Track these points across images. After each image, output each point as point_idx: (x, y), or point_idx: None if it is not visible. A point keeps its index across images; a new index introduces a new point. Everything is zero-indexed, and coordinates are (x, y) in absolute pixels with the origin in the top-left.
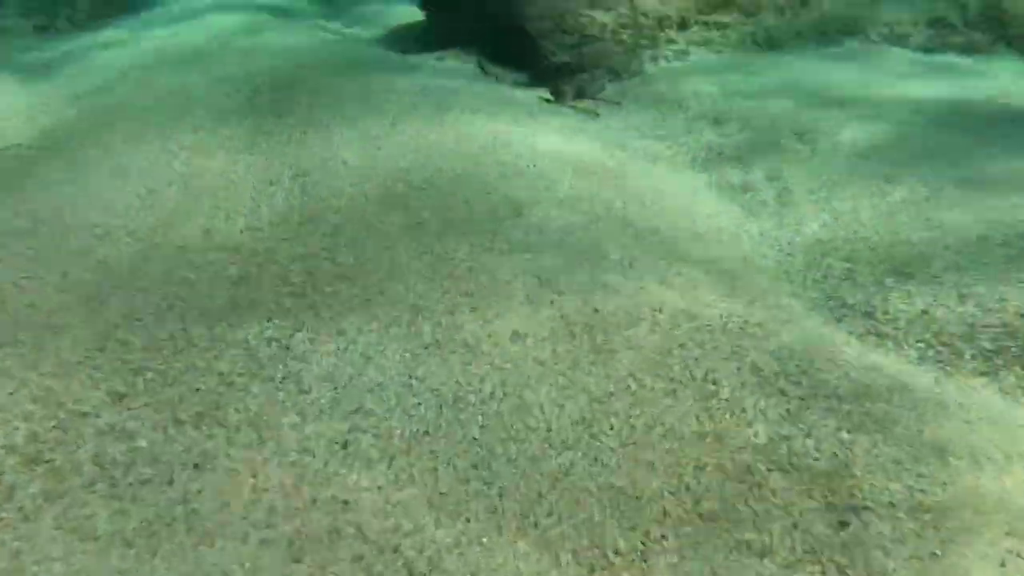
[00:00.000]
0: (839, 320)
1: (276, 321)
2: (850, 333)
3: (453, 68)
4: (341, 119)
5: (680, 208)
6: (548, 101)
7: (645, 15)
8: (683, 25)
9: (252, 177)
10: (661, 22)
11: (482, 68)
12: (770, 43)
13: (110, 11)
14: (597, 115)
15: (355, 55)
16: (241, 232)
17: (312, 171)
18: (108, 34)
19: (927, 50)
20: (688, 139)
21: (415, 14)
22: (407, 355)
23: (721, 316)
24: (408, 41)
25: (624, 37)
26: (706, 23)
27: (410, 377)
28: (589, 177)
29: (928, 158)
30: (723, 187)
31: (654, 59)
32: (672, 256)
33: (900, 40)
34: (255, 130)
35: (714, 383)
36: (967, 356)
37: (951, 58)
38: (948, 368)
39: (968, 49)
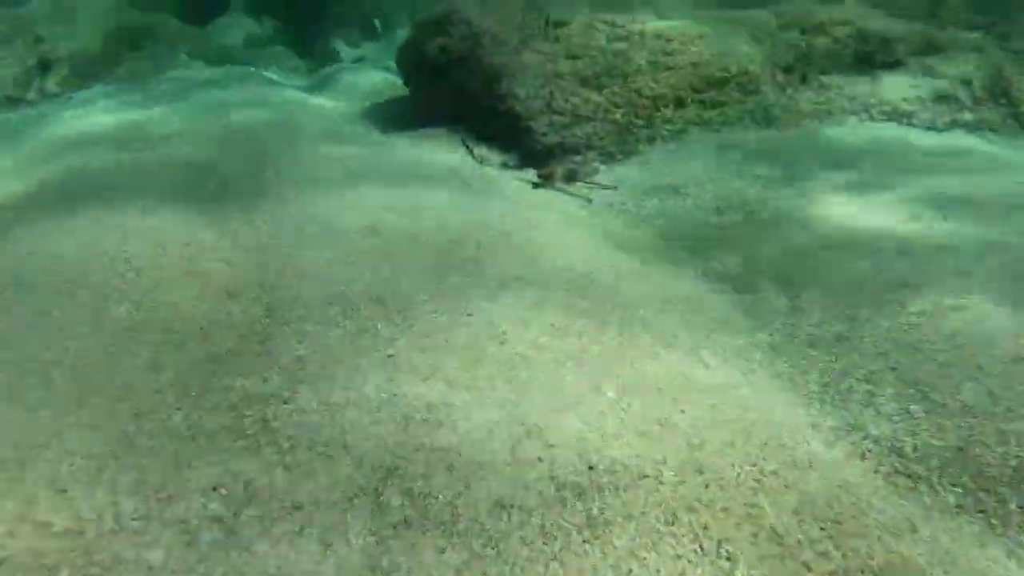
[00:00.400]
0: None
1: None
2: None
3: (435, 145)
4: (298, 202)
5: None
6: (537, 184)
7: (639, 93)
8: (680, 103)
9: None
10: (656, 101)
11: (467, 147)
12: (770, 121)
13: (84, 81)
14: (590, 200)
15: (332, 130)
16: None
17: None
18: (70, 112)
19: (936, 129)
20: (690, 230)
21: (400, 87)
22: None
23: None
24: (391, 116)
25: (618, 117)
26: (703, 101)
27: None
28: (586, 294)
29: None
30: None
31: (650, 139)
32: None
33: (906, 118)
34: (202, 212)
35: None
36: None
37: (963, 138)
38: None
39: (979, 127)
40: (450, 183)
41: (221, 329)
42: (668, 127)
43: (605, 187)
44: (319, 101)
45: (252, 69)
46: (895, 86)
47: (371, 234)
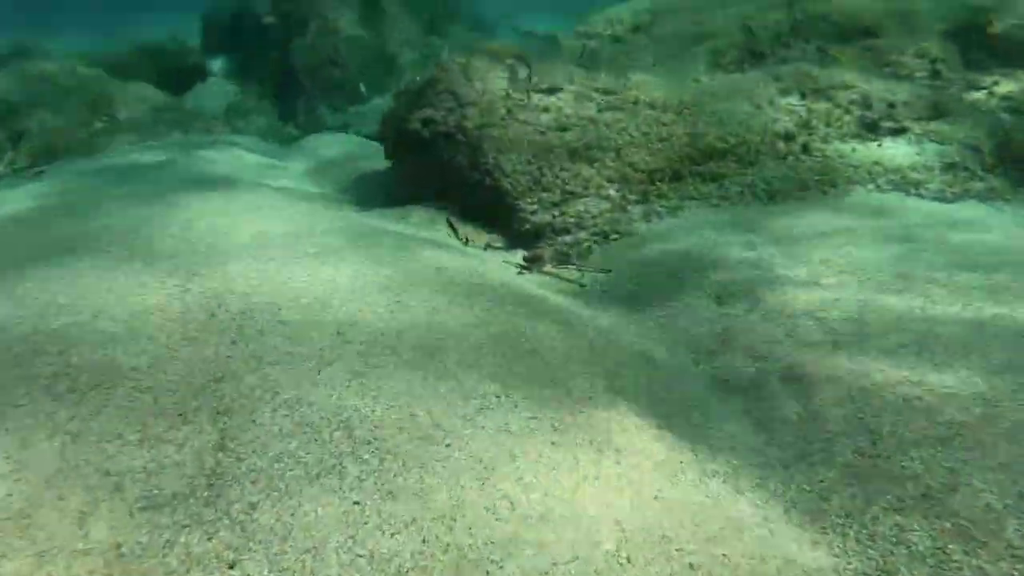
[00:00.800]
0: None
1: None
2: None
3: (417, 224)
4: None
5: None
6: (523, 269)
7: (634, 167)
8: (676, 177)
9: None
10: (652, 175)
11: (451, 227)
12: (771, 195)
13: (55, 156)
14: (583, 286)
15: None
16: None
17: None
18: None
19: (945, 199)
20: (689, 326)
21: (382, 161)
22: None
23: None
24: (372, 192)
25: (611, 192)
26: (701, 174)
27: None
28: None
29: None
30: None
31: (646, 216)
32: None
33: (914, 187)
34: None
35: None
36: None
37: (974, 208)
38: None
39: (989, 196)
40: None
41: None
42: (664, 203)
43: (599, 270)
44: (287, 174)
45: (221, 138)
46: (901, 153)
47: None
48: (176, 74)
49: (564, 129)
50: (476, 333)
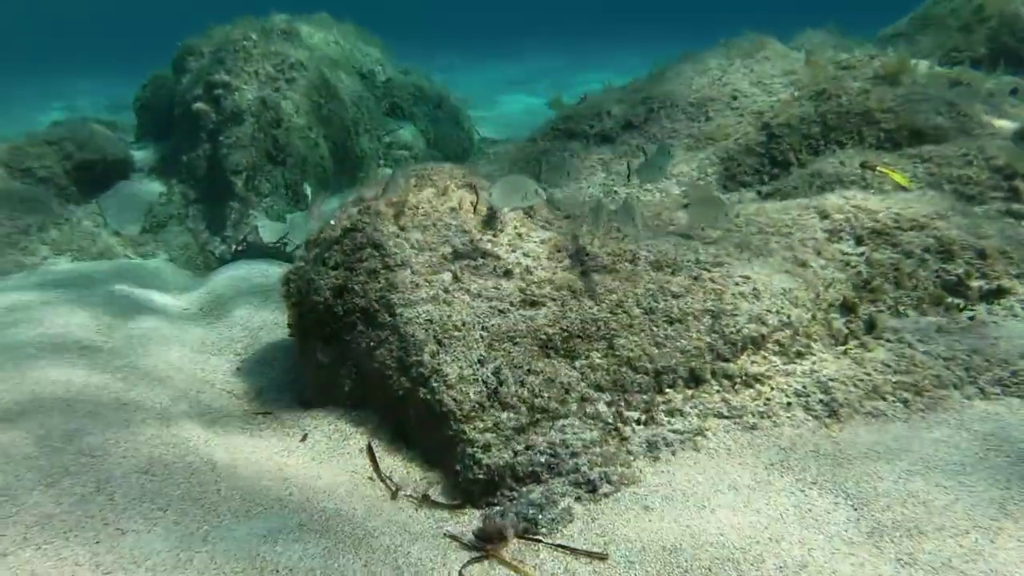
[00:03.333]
0: None
1: None
2: None
3: (321, 452)
4: None
5: None
6: (476, 556)
7: (632, 364)
8: (694, 379)
9: None
10: (659, 377)
11: (373, 460)
12: (833, 409)
13: None
14: None
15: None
16: None
17: None
18: None
19: None
20: None
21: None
22: None
23: None
24: (274, 378)
25: (601, 407)
26: (729, 376)
27: None
28: None
29: None
30: None
31: (651, 447)
32: None
33: None
34: None
35: None
36: None
37: None
38: None
39: None
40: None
41: None
42: (677, 424)
43: (588, 554)
44: (181, 338)
45: (130, 262)
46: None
47: None
48: (89, 170)
49: (534, 304)
50: None
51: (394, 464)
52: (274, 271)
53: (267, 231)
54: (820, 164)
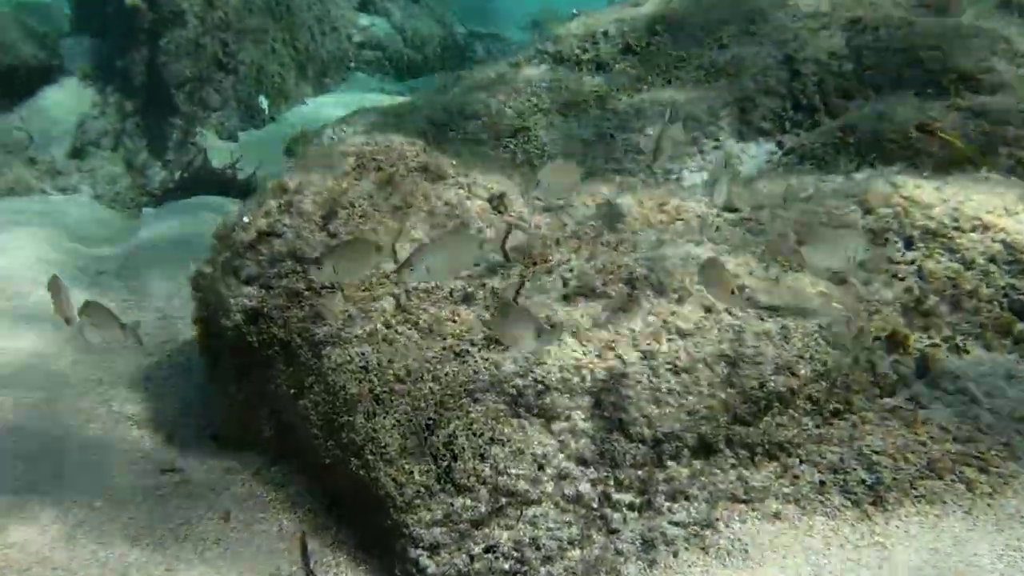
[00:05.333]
0: None
1: None
2: None
3: (238, 541)
4: None
5: None
6: None
7: (626, 431)
8: (704, 449)
9: None
10: (659, 446)
11: (304, 555)
12: (879, 497)
13: None
14: None
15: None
16: None
17: None
18: None
19: None
20: None
21: None
22: None
23: None
24: (184, 404)
25: (583, 487)
26: (748, 444)
27: None
28: None
29: None
30: None
31: (646, 546)
32: None
33: None
34: None
35: None
36: None
37: None
38: None
39: None
40: None
41: None
42: (683, 511)
43: None
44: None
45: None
46: None
47: None
48: (8, 74)
49: (497, 343)
50: None
51: (322, 554)
52: (213, 220)
53: (215, 154)
54: (854, 117)
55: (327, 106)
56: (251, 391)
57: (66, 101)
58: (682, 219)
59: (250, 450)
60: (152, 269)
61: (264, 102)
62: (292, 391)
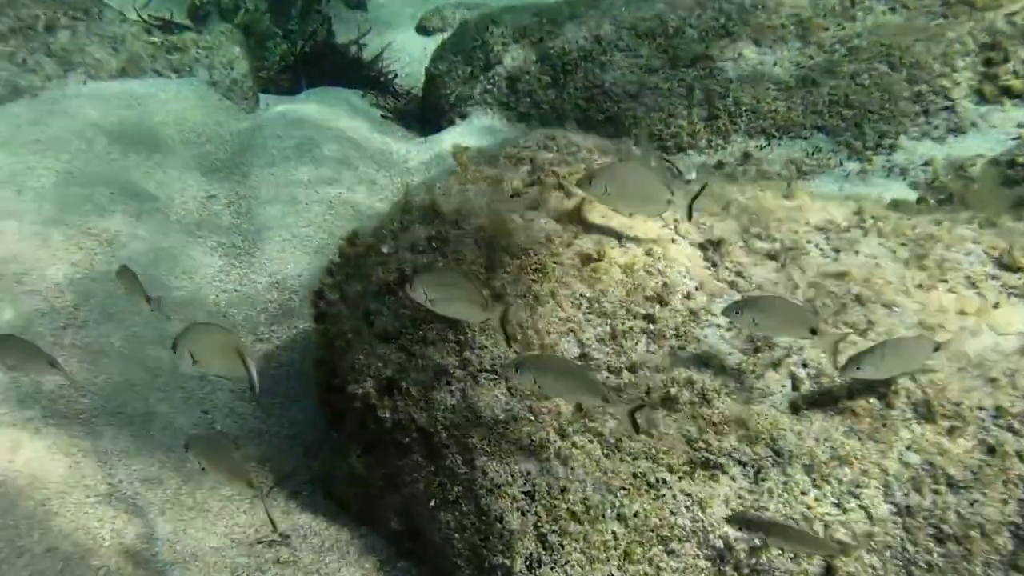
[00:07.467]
0: None
1: None
2: None
3: None
4: None
5: None
6: None
7: None
8: None
9: None
10: None
11: None
12: None
13: None
14: None
15: None
16: None
17: None
18: None
19: None
20: None
21: None
22: None
23: None
24: (299, 426)
25: None
26: None
27: None
28: None
29: None
30: None
31: None
32: None
33: None
34: None
35: None
36: None
37: None
38: None
39: None
40: None
41: None
42: None
43: None
44: None
45: (141, 90)
46: None
47: None
48: None
49: (708, 465)
50: None
51: None
52: (350, 128)
53: (340, 26)
54: None
55: None
56: (379, 473)
57: None
58: (948, 279)
59: (374, 527)
60: (267, 208)
61: None
62: (432, 495)
